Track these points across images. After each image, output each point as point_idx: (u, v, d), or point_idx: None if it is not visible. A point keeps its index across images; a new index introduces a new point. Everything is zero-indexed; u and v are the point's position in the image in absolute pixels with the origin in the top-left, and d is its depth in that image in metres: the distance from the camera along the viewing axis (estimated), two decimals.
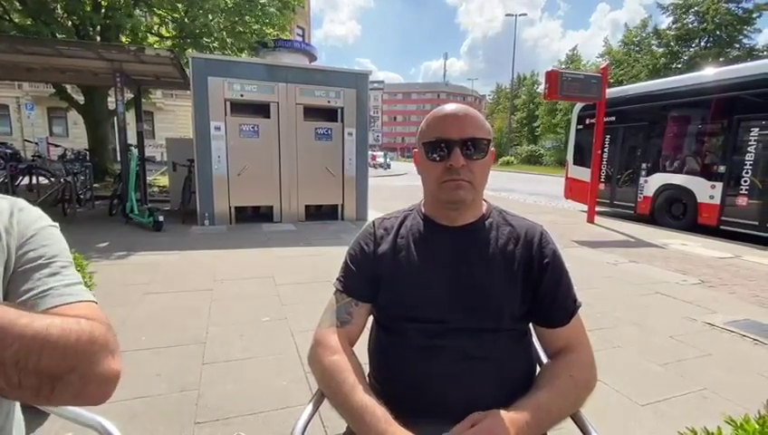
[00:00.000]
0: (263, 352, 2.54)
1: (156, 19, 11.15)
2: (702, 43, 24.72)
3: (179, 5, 10.28)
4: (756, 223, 6.58)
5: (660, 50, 26.00)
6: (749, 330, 3.05)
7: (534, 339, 1.01)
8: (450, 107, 0.93)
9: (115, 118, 7.65)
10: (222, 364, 2.37)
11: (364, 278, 0.97)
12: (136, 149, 6.91)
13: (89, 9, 9.23)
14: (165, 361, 2.39)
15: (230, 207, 6.76)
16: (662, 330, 3.04)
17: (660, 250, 5.74)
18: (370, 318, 1.04)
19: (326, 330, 0.95)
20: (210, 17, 10.25)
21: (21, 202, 0.71)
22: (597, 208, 8.25)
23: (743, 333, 3.00)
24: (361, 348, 1.03)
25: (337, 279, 1.02)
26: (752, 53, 22.42)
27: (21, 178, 7.99)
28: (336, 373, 0.86)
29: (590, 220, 7.94)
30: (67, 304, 0.64)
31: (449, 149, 0.89)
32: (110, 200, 7.32)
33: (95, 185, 8.93)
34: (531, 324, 0.99)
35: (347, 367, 0.86)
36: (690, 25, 24.54)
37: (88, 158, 9.31)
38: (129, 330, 2.76)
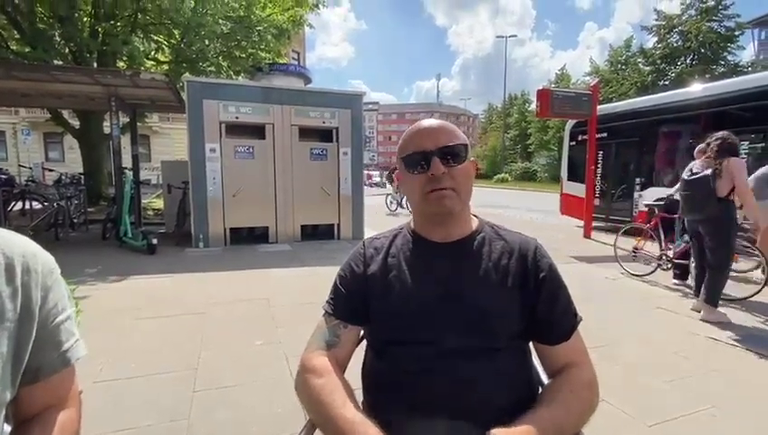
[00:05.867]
0: (256, 377, 2.46)
1: (152, 45, 11.30)
2: (688, 61, 25.33)
3: (176, 32, 10.45)
4: (753, 237, 6.58)
5: (647, 68, 26.61)
6: (753, 344, 2.99)
7: (535, 359, 0.97)
8: (424, 122, 0.94)
9: (110, 142, 7.65)
10: (214, 391, 2.29)
11: (354, 300, 0.94)
12: (130, 173, 6.89)
13: (86, 36, 9.36)
14: (154, 389, 2.30)
15: (225, 229, 6.71)
16: (665, 346, 2.98)
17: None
18: (363, 343, 0.99)
19: (312, 354, 0.91)
20: (207, 43, 10.41)
21: (33, 245, 0.74)
22: (593, 224, 8.25)
23: (747, 347, 2.95)
24: (356, 374, 0.98)
25: (326, 301, 0.98)
26: (737, 69, 22.98)
27: (14, 202, 7.92)
28: (323, 397, 0.81)
29: (587, 235, 7.93)
30: (71, 365, 0.75)
31: (428, 160, 0.88)
32: (103, 224, 7.25)
33: (89, 209, 8.86)
34: (531, 344, 0.95)
35: (335, 389, 0.82)
36: (675, 44, 25.21)
37: (83, 181, 9.27)
38: (119, 357, 2.67)
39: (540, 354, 0.94)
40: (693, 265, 4.02)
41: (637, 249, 5.13)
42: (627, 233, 5.43)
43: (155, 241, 5.93)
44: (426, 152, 0.88)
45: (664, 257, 4.77)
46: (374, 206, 12.39)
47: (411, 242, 0.97)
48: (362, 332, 0.99)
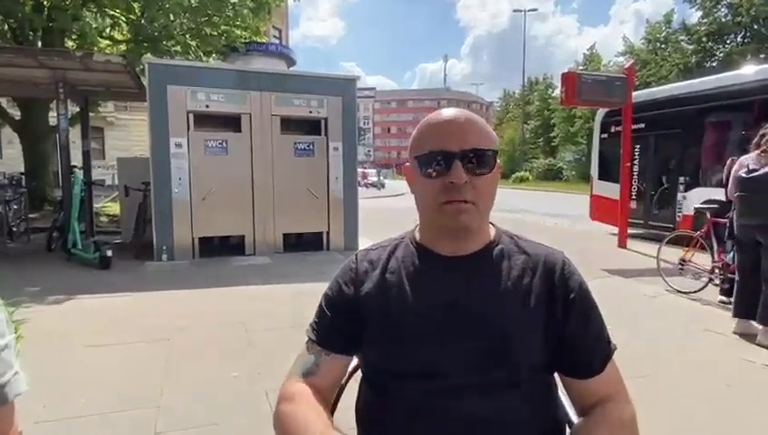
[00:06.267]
0: (231, 416, 2.45)
1: (108, 20, 11.34)
2: (738, 39, 25.59)
3: (135, 5, 10.49)
4: None
5: (691, 47, 26.85)
6: None
7: (561, 393, 0.97)
8: (448, 112, 0.92)
9: (57, 135, 7.65)
10: (180, 433, 2.28)
11: (341, 325, 0.95)
12: (81, 172, 6.90)
13: (29, 10, 9.39)
14: (108, 430, 2.29)
15: (193, 239, 6.71)
16: (715, 376, 2.98)
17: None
18: (357, 374, 1.00)
19: (288, 383, 0.93)
20: (172, 18, 10.46)
21: None
22: (629, 231, 8.28)
23: None
24: (351, 409, 0.98)
25: (310, 325, 0.99)
26: None
27: None
28: (288, 422, 0.84)
29: (622, 245, 7.96)
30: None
31: (448, 163, 0.86)
32: (48, 233, 7.24)
33: (31, 215, 8.84)
34: (556, 376, 0.95)
35: (306, 413, 0.84)
36: (723, 19, 25.46)
37: (24, 183, 9.26)
38: (65, 392, 2.65)
39: (568, 389, 0.94)
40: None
41: (685, 261, 5.13)
42: (672, 242, 5.45)
43: (109, 253, 5.92)
44: (447, 153, 0.86)
45: (716, 270, 4.76)
46: (371, 210, 12.40)
47: (415, 255, 0.97)
48: (355, 362, 1.00)
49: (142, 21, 10.69)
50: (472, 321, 0.88)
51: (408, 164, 0.97)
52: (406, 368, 0.88)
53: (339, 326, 0.95)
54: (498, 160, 0.93)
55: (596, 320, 0.93)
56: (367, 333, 0.93)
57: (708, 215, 5.01)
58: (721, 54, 25.71)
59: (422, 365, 0.87)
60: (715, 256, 4.78)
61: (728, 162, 4.63)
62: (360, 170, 13.38)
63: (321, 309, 0.99)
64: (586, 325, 0.91)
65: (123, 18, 11.23)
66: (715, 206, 5.03)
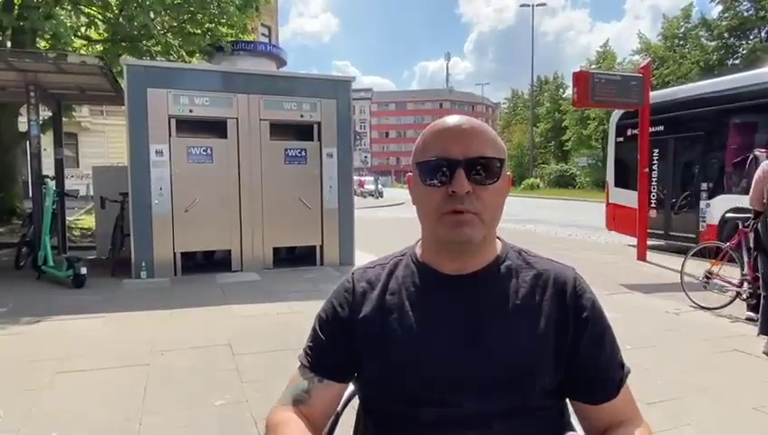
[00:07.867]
0: None
1: (83, 19, 11.45)
2: (762, 34, 25.91)
3: (113, 2, 10.60)
4: None
5: (712, 43, 27.17)
6: None
7: (573, 420, 0.98)
8: (452, 119, 0.93)
9: (27, 142, 7.67)
10: None
11: (337, 350, 0.95)
12: (53, 182, 6.91)
13: None
14: None
15: (175, 254, 6.71)
16: (744, 400, 2.98)
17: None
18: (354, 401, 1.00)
19: (276, 411, 0.93)
20: (152, 15, 10.55)
21: None
22: (648, 242, 8.30)
23: None
24: None
25: (303, 349, 0.99)
26: None
27: None
28: None
29: (641, 257, 7.98)
30: None
31: (451, 171, 0.88)
32: (16, 248, 7.23)
33: None
34: (568, 401, 0.96)
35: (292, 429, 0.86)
36: (745, 14, 25.81)
37: None
38: (35, 423, 2.64)
39: (579, 415, 0.95)
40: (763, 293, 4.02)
41: (711, 274, 5.13)
42: (696, 254, 5.47)
43: (84, 270, 5.91)
44: (450, 160, 0.88)
45: (745, 284, 4.76)
46: (368, 221, 12.41)
47: (416, 273, 0.97)
48: (351, 389, 1.00)
49: (120, 19, 10.78)
50: (478, 346, 0.89)
51: (410, 173, 0.98)
52: (408, 397, 0.89)
53: (334, 351, 0.95)
54: (508, 171, 0.94)
55: (609, 342, 0.94)
56: (365, 359, 0.93)
57: (741, 224, 5.02)
58: (744, 51, 26.02)
59: (425, 394, 0.88)
60: (745, 268, 4.80)
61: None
62: (356, 178, 13.45)
63: (314, 332, 0.99)
64: (598, 348, 0.92)
65: (100, 16, 11.33)
66: (749, 215, 5.04)
